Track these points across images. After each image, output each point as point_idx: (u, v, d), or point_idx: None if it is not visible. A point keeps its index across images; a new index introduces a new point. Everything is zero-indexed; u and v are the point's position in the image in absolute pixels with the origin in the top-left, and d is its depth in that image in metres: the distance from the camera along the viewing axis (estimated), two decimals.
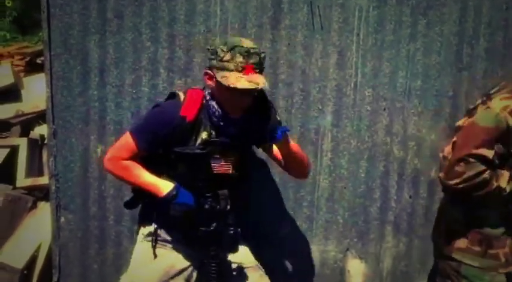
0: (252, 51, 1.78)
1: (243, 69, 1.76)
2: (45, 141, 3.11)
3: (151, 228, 2.03)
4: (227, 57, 1.78)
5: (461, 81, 2.61)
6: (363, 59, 2.58)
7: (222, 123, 1.90)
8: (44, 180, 3.04)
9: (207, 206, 1.87)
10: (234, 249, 1.97)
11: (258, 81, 1.76)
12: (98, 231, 2.72)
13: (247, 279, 2.05)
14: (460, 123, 2.03)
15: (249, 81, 1.75)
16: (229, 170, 1.95)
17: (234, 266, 2.04)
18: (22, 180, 3.10)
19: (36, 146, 3.30)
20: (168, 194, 1.88)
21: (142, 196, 2.02)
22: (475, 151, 1.79)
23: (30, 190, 3.08)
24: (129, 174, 1.94)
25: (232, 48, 1.77)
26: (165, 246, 2.04)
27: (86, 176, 2.67)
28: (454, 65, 2.59)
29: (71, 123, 2.62)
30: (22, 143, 3.24)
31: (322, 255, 2.73)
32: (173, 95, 1.98)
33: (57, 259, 2.75)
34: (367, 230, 2.72)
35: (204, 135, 1.91)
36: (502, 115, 1.80)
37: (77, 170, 2.66)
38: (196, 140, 1.91)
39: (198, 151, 1.87)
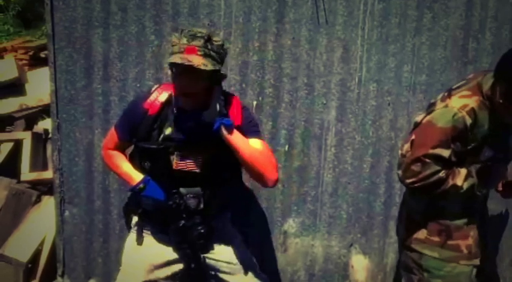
0: (198, 34, 1.74)
1: (184, 50, 1.73)
2: (49, 135, 3.12)
3: (135, 220, 2.06)
4: (175, 41, 1.77)
5: (466, 75, 2.59)
6: (368, 53, 2.56)
7: (178, 115, 1.84)
8: (48, 174, 3.04)
9: (171, 203, 1.88)
10: (204, 249, 1.95)
11: (193, 60, 1.70)
12: (102, 225, 2.73)
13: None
14: (418, 119, 1.98)
15: (182, 58, 1.71)
16: (194, 168, 1.88)
17: (216, 265, 2.02)
18: (26, 174, 3.10)
19: (40, 140, 3.30)
20: (136, 185, 1.91)
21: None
22: (431, 151, 1.79)
23: (35, 184, 3.08)
24: (112, 163, 2.03)
25: (180, 32, 1.78)
26: (150, 235, 2.03)
27: (90, 170, 2.67)
28: (460, 59, 2.57)
29: (75, 117, 2.62)
30: (26, 137, 3.23)
31: (326, 251, 2.73)
32: (150, 88, 1.98)
33: (61, 253, 2.76)
34: (371, 226, 2.71)
35: (167, 131, 1.89)
36: (459, 115, 1.78)
37: (81, 164, 2.67)
38: (159, 134, 1.89)
39: (155, 146, 1.87)
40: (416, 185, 1.83)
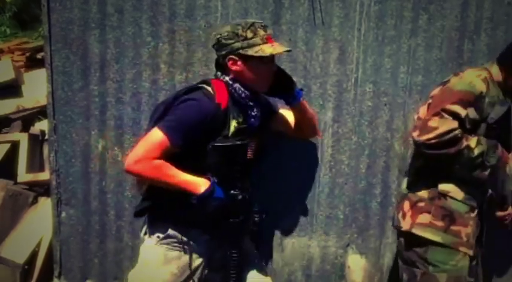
0: (263, 24, 1.93)
1: (268, 40, 1.90)
2: (46, 137, 3.12)
3: (167, 230, 1.96)
4: (250, 34, 1.86)
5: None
6: (364, 54, 2.57)
7: (250, 103, 1.95)
8: (44, 175, 3.04)
9: (240, 197, 1.89)
10: (257, 237, 2.04)
11: (283, 46, 1.99)
12: (98, 226, 2.73)
13: (263, 267, 2.14)
14: (434, 92, 2.08)
15: (281, 46, 1.94)
16: (254, 154, 2.01)
17: (253, 253, 2.12)
18: (23, 175, 3.10)
19: (36, 142, 3.30)
20: (207, 190, 1.83)
21: (156, 200, 1.96)
22: (449, 106, 1.86)
23: (31, 185, 3.09)
24: (162, 174, 1.83)
25: (251, 25, 1.88)
26: (181, 248, 1.98)
27: (86, 171, 2.67)
28: (455, 60, 2.58)
29: (71, 118, 2.62)
30: (23, 139, 3.24)
31: (323, 251, 2.74)
32: (196, 88, 1.92)
33: (58, 254, 2.76)
34: (368, 226, 2.72)
35: (234, 123, 1.92)
36: (475, 81, 1.90)
37: (78, 165, 2.67)
38: (229, 128, 1.90)
39: (239, 142, 1.89)
40: (432, 141, 1.84)
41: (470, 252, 1.96)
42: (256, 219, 1.97)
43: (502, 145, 1.96)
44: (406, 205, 2.08)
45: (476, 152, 1.86)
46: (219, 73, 1.97)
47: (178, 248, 1.97)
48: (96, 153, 2.65)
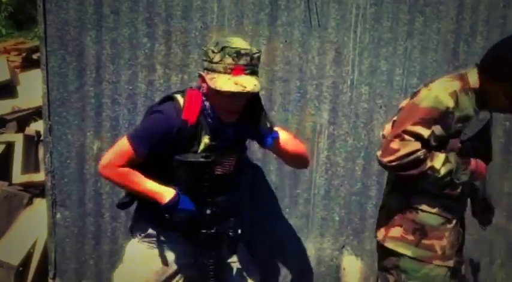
0: (242, 52, 1.70)
1: (232, 71, 1.69)
2: (41, 138, 3.11)
3: (148, 229, 1.99)
4: (217, 58, 1.71)
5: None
6: (360, 56, 2.58)
7: (217, 126, 1.84)
8: (40, 176, 3.03)
9: (208, 212, 1.84)
10: (234, 250, 1.98)
11: (246, 84, 1.69)
12: (93, 228, 2.72)
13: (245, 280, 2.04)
14: (403, 104, 2.04)
15: (236, 84, 1.68)
16: (229, 170, 1.92)
17: (233, 265, 2.03)
18: (18, 176, 3.09)
19: (32, 142, 3.29)
20: (170, 201, 1.81)
21: (135, 197, 1.96)
22: (410, 128, 1.80)
23: (26, 186, 3.07)
24: (128, 181, 1.87)
25: (221, 49, 1.70)
26: (161, 246, 2.00)
27: (82, 173, 2.67)
28: (451, 62, 2.59)
29: (67, 119, 2.62)
30: (18, 139, 3.23)
31: (318, 253, 2.74)
32: (170, 98, 1.86)
33: (53, 255, 2.75)
34: (363, 228, 2.72)
35: (206, 139, 1.85)
36: (441, 96, 1.81)
37: (73, 166, 2.66)
38: (198, 144, 1.85)
39: (202, 160, 1.80)
40: (393, 163, 1.81)
41: (449, 264, 1.93)
42: (230, 234, 1.89)
43: (481, 157, 1.90)
44: (382, 216, 2.07)
45: (442, 171, 1.81)
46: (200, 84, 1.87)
47: (158, 246, 1.98)
48: (91, 155, 2.65)
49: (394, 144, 1.81)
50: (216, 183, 1.85)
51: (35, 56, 4.28)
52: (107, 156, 1.90)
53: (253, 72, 1.74)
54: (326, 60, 2.58)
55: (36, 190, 3.05)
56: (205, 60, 1.77)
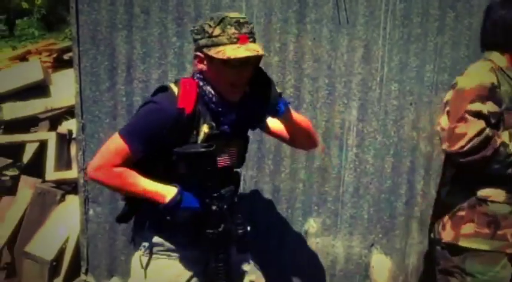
0: (241, 21, 1.61)
1: (238, 40, 1.58)
2: (73, 136, 3.18)
3: (152, 238, 1.79)
4: (217, 31, 1.59)
5: None
6: (390, 53, 2.55)
7: (220, 109, 1.69)
8: (72, 173, 3.10)
9: (214, 207, 1.66)
10: (245, 249, 1.79)
11: (256, 48, 1.60)
12: (125, 224, 2.76)
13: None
14: (447, 97, 2.01)
15: (248, 50, 1.58)
16: (232, 162, 1.78)
17: (243, 265, 1.91)
18: (51, 173, 3.16)
19: (64, 141, 3.37)
20: (172, 200, 1.64)
21: (136, 205, 1.78)
22: (470, 107, 1.78)
23: (59, 183, 3.14)
24: (124, 183, 1.67)
25: (220, 21, 1.59)
26: (170, 255, 1.80)
27: None
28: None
29: (99, 118, 2.67)
30: (51, 138, 3.30)
31: (347, 251, 2.72)
32: (164, 88, 1.72)
33: (85, 251, 2.81)
34: (393, 226, 2.69)
35: (205, 128, 1.69)
36: (483, 74, 1.83)
37: None
38: (197, 134, 1.69)
39: (204, 150, 1.61)
40: (466, 148, 1.76)
41: None
42: (239, 231, 1.72)
43: None
44: (443, 216, 2.01)
45: (511, 146, 1.78)
46: (194, 70, 1.75)
47: (166, 256, 1.79)
48: None
49: (460, 129, 1.78)
50: (220, 176, 1.69)
51: (65, 57, 4.38)
52: (99, 158, 1.69)
53: (255, 40, 1.66)
54: (355, 57, 2.56)
55: (68, 187, 3.12)
56: (202, 38, 1.63)
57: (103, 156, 1.69)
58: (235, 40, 1.59)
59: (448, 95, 2.01)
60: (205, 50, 1.62)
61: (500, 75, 1.84)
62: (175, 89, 1.68)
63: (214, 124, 1.69)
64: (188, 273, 1.80)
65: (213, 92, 1.68)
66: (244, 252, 1.80)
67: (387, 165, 2.64)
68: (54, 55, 4.54)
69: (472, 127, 1.76)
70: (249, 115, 1.75)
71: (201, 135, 1.69)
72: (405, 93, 2.58)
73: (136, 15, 2.58)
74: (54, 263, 2.93)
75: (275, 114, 1.75)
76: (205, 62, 1.66)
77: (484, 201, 1.88)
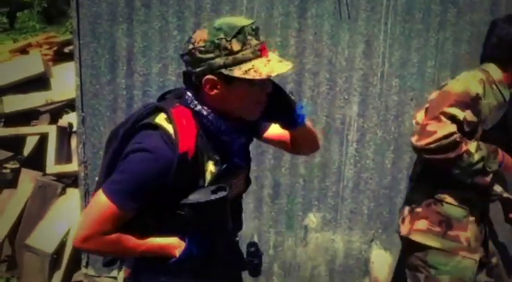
0: (254, 26, 1.32)
1: (261, 52, 1.31)
2: (74, 129, 3.18)
3: (159, 278, 1.50)
4: (237, 45, 1.28)
5: None
6: (391, 48, 2.55)
7: (229, 138, 1.42)
8: (72, 167, 3.10)
9: (221, 246, 1.47)
10: (258, 274, 1.67)
11: (283, 59, 1.35)
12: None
13: None
14: (432, 96, 2.05)
15: (280, 62, 1.32)
16: (242, 188, 1.55)
17: None
18: (51, 167, 3.17)
19: (64, 134, 3.36)
20: (183, 253, 1.42)
21: None
22: (446, 109, 1.81)
23: (60, 176, 3.15)
24: (122, 249, 1.40)
25: (238, 33, 1.28)
26: None
27: None
28: None
29: (99, 111, 2.67)
30: (51, 131, 3.30)
31: (347, 246, 2.73)
32: (150, 126, 1.35)
33: None
34: (392, 221, 2.69)
35: (211, 166, 1.40)
36: (471, 82, 1.85)
37: None
38: (203, 176, 1.39)
39: (215, 197, 1.35)
40: (432, 146, 1.80)
41: (475, 257, 1.93)
42: (255, 262, 1.60)
43: (502, 148, 1.90)
44: (406, 210, 2.06)
45: (476, 157, 1.82)
46: (188, 96, 1.37)
47: None
48: None
49: (431, 127, 1.81)
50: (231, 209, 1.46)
51: (66, 50, 4.37)
52: (84, 226, 1.37)
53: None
54: (356, 52, 2.56)
55: (69, 180, 3.13)
56: (217, 56, 1.29)
57: (89, 224, 1.36)
58: (259, 53, 1.30)
59: (433, 95, 2.05)
60: (224, 71, 1.30)
61: (488, 88, 1.88)
62: (168, 127, 1.33)
63: (218, 158, 1.40)
64: None
65: (221, 121, 1.38)
66: (256, 276, 1.67)
67: (387, 160, 2.64)
68: (55, 48, 4.53)
69: (443, 128, 1.80)
70: (250, 129, 1.50)
71: (208, 176, 1.40)
72: (406, 88, 2.58)
73: (137, 9, 2.57)
74: (55, 256, 2.94)
75: (293, 125, 1.48)
76: (218, 86, 1.33)
77: (439, 201, 1.94)
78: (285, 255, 2.75)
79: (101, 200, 1.33)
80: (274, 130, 1.60)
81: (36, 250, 2.91)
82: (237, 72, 1.29)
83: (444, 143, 1.79)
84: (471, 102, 1.82)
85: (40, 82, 3.64)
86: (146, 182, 1.32)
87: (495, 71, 1.91)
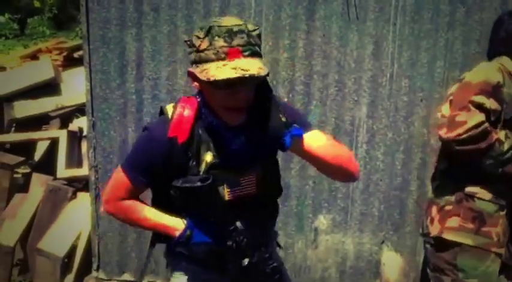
0: (235, 29, 1.30)
1: (226, 55, 1.29)
2: (84, 134, 3.20)
3: (181, 263, 1.61)
4: (204, 44, 1.30)
5: None
6: (400, 49, 2.54)
7: (223, 134, 1.42)
8: (83, 171, 3.12)
9: (230, 243, 1.46)
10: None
11: (248, 67, 1.28)
12: None
13: None
14: (452, 89, 2.04)
15: (234, 69, 1.27)
16: (253, 190, 1.49)
17: None
18: (62, 171, 3.18)
19: (75, 138, 3.39)
20: (181, 235, 1.47)
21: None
22: (474, 98, 1.80)
23: (70, 181, 3.17)
24: (133, 217, 1.54)
25: (208, 31, 1.30)
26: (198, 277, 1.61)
27: None
28: None
29: (109, 116, 2.69)
30: (62, 135, 3.33)
31: (357, 248, 2.72)
32: (161, 110, 1.50)
33: (96, 248, 2.83)
34: (403, 223, 2.68)
35: (208, 157, 1.44)
36: (490, 71, 1.86)
37: (116, 161, 2.73)
38: (198, 165, 1.44)
39: (199, 184, 1.38)
40: (463, 136, 1.78)
41: (502, 251, 1.92)
42: (274, 265, 1.51)
43: None
44: (434, 210, 2.02)
45: (506, 146, 1.81)
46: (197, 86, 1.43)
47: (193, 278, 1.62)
48: None
49: (460, 117, 1.79)
50: (234, 208, 1.46)
51: (76, 55, 4.40)
52: (107, 191, 1.57)
53: (256, 54, 1.33)
54: (365, 53, 2.55)
55: (79, 184, 3.14)
56: (191, 52, 1.35)
57: (108, 189, 1.56)
58: (223, 55, 1.29)
59: (454, 88, 2.04)
60: (194, 66, 1.34)
61: (508, 77, 1.87)
62: (169, 112, 1.44)
63: (215, 151, 1.43)
64: None
65: (209, 117, 1.41)
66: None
67: (398, 162, 2.63)
68: (65, 53, 4.56)
69: (473, 117, 1.78)
70: (260, 138, 1.42)
71: (203, 166, 1.44)
72: (415, 89, 2.56)
73: (146, 13, 2.59)
74: (66, 260, 2.96)
75: (280, 148, 1.42)
76: (194, 80, 1.40)
77: (471, 197, 1.91)
78: (295, 257, 2.74)
79: (118, 170, 1.52)
80: (312, 144, 1.44)
81: (47, 254, 2.92)
82: (197, 70, 1.33)
83: (475, 133, 1.77)
84: (493, 91, 1.81)
85: (50, 87, 3.67)
86: (144, 157, 1.46)
87: (508, 63, 1.91)
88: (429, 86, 2.55)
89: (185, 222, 1.48)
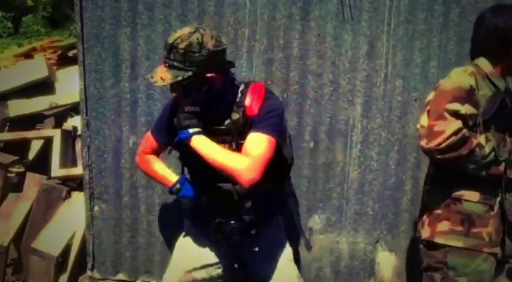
0: (169, 41, 1.72)
1: (163, 63, 1.76)
2: (78, 133, 3.19)
3: (184, 221, 2.10)
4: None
5: None
6: (394, 49, 2.54)
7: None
8: (77, 170, 3.11)
9: (203, 199, 1.87)
10: (243, 246, 1.91)
11: (160, 76, 1.73)
12: (130, 220, 2.78)
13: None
14: (429, 98, 2.05)
15: (154, 74, 1.77)
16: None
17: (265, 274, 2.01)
18: (56, 170, 3.17)
19: (69, 138, 3.37)
20: (172, 186, 1.92)
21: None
22: (448, 106, 1.82)
23: (65, 180, 3.15)
24: (148, 168, 2.02)
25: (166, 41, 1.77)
26: (192, 238, 2.06)
27: (118, 167, 2.73)
28: None
29: (103, 115, 2.68)
30: (56, 135, 3.31)
31: (352, 247, 2.72)
32: None
33: (91, 247, 2.83)
34: (397, 223, 2.69)
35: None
36: (462, 77, 1.87)
37: (110, 160, 2.72)
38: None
39: (174, 140, 1.83)
40: (443, 145, 1.80)
41: (496, 250, 1.93)
42: (245, 218, 1.86)
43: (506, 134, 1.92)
44: (425, 215, 2.06)
45: (487, 149, 1.83)
46: None
47: (190, 237, 2.05)
48: (127, 149, 2.70)
49: (438, 127, 1.81)
50: (208, 168, 1.74)
51: (70, 54, 4.38)
52: (140, 146, 2.09)
53: (171, 67, 1.72)
54: (359, 53, 2.56)
55: (74, 184, 3.13)
56: None
57: (141, 144, 2.08)
58: (162, 62, 1.76)
59: (430, 96, 2.05)
60: None
61: (481, 80, 1.88)
62: None
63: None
64: (204, 261, 2.00)
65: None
66: (241, 248, 1.91)
67: (392, 161, 2.64)
68: (59, 52, 4.53)
69: (450, 126, 1.80)
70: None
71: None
72: (410, 89, 2.57)
73: (141, 12, 2.58)
74: (60, 259, 2.95)
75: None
76: None
77: (458, 200, 1.93)
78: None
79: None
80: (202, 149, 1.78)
81: (41, 253, 2.91)
82: None
83: (455, 141, 1.79)
84: (467, 96, 1.83)
85: (44, 86, 3.65)
86: (162, 118, 1.98)
87: (485, 65, 1.92)
88: (423, 86, 2.56)
89: (182, 176, 1.92)
